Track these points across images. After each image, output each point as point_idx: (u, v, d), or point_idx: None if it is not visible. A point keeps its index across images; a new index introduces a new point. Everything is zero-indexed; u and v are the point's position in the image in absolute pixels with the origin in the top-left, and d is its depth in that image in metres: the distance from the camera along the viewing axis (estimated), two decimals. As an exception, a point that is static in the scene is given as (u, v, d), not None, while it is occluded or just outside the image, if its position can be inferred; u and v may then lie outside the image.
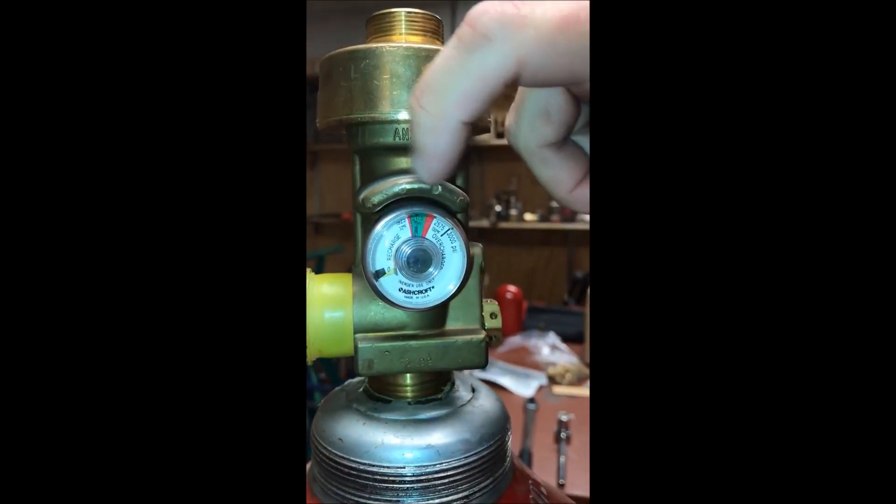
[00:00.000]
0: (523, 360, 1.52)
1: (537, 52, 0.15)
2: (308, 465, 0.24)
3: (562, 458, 1.05)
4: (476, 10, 0.15)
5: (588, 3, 0.15)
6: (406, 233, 0.19)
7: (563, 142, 0.20)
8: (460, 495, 0.20)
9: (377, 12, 0.21)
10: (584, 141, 0.21)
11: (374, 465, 0.20)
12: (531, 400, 1.24)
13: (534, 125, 0.20)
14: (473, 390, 0.24)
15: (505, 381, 1.37)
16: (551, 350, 1.58)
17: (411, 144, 0.17)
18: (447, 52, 0.16)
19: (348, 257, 0.23)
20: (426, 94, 0.16)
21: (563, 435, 1.09)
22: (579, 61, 0.16)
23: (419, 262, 0.19)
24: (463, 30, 0.16)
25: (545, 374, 1.43)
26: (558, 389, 1.36)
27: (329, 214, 3.50)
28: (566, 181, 0.21)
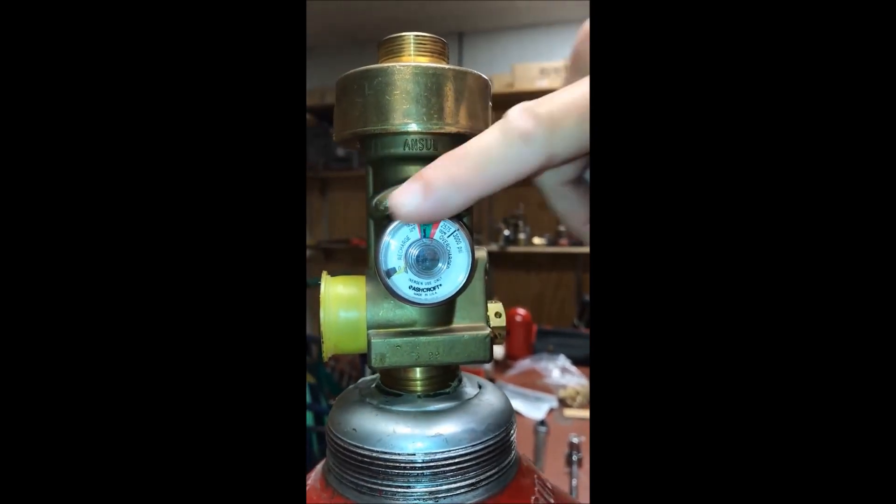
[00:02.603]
0: (533, 383, 1.52)
1: (565, 147, 0.18)
2: (321, 464, 0.26)
3: (574, 481, 1.04)
4: (517, 111, 0.18)
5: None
6: (415, 234, 0.21)
7: (579, 180, 0.23)
8: (468, 482, 0.21)
9: (388, 36, 0.23)
10: None
11: (386, 453, 0.21)
12: (542, 423, 1.23)
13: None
14: (480, 387, 0.25)
15: (515, 404, 1.36)
16: (561, 373, 1.57)
17: (427, 176, 0.19)
18: (491, 137, 0.19)
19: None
20: (466, 160, 0.19)
21: (574, 457, 1.08)
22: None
23: (427, 260, 0.21)
24: (506, 125, 0.18)
25: (556, 397, 1.42)
26: (569, 412, 1.35)
27: (338, 240, 3.54)
28: (580, 215, 0.23)
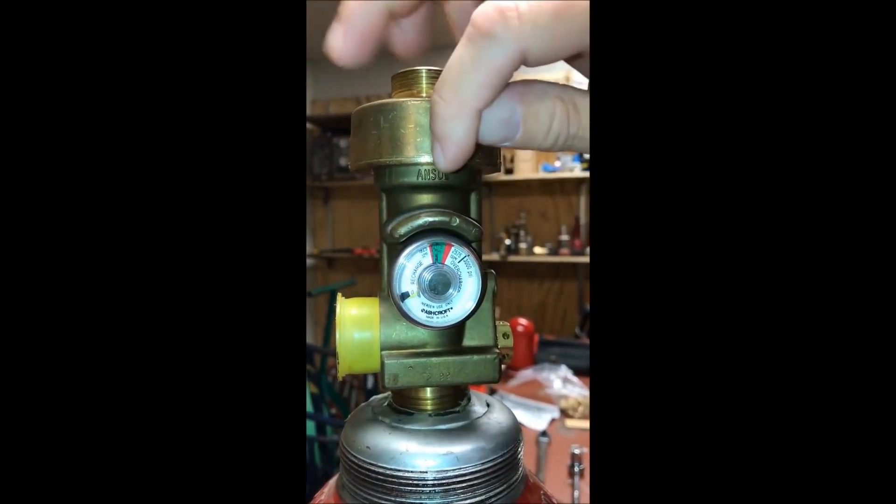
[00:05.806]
0: (535, 394, 1.52)
1: (536, 41, 0.18)
2: (334, 479, 0.26)
3: (576, 492, 1.04)
4: (478, 12, 0.18)
5: None
6: (427, 260, 0.22)
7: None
8: (478, 498, 0.22)
9: (401, 70, 0.24)
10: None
11: (399, 471, 0.22)
12: (544, 433, 1.24)
13: None
14: (488, 405, 0.26)
15: (517, 414, 1.37)
16: (563, 383, 1.58)
17: (431, 132, 0.20)
18: (458, 50, 0.18)
19: (361, 291, 0.26)
20: (445, 87, 0.19)
21: (576, 468, 1.08)
22: (576, 39, 0.18)
23: (439, 285, 0.22)
24: (470, 30, 0.18)
25: (557, 408, 1.42)
26: (571, 422, 1.36)
27: (341, 249, 3.55)
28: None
